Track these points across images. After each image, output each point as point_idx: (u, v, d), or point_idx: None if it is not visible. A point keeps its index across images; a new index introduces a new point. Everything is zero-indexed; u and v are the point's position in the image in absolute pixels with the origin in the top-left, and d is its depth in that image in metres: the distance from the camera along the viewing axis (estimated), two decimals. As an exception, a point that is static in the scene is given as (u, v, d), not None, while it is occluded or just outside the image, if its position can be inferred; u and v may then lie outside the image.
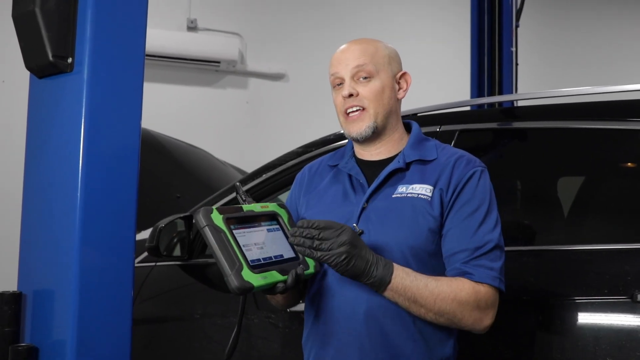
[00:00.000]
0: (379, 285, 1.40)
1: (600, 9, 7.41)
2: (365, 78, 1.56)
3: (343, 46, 1.62)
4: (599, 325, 1.66)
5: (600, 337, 1.64)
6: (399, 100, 1.63)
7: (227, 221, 1.39)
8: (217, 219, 1.38)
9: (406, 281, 1.41)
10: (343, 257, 1.35)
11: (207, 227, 1.36)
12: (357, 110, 1.57)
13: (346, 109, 1.58)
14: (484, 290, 1.44)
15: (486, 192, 1.52)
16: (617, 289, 1.66)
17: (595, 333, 1.65)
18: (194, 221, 1.42)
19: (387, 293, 1.41)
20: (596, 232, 1.93)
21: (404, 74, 1.64)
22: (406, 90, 1.64)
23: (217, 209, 1.40)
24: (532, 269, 1.84)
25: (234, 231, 1.39)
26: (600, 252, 1.77)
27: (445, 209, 1.50)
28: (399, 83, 1.62)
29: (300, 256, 1.48)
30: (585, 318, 1.69)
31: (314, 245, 1.36)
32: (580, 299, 1.70)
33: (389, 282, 1.40)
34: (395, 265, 1.42)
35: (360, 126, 1.56)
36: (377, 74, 1.57)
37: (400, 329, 1.47)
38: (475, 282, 1.44)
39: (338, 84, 1.60)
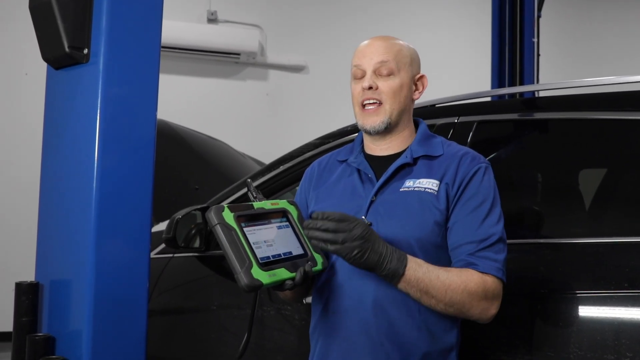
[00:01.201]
0: (392, 277, 1.44)
1: (621, 0, 7.29)
2: (386, 74, 1.61)
3: (368, 40, 1.67)
4: (619, 320, 1.63)
5: (621, 332, 1.61)
6: (413, 101, 1.70)
7: (238, 219, 1.42)
8: (229, 217, 1.41)
9: (419, 273, 1.45)
10: (356, 251, 1.39)
11: (218, 226, 1.39)
12: (373, 104, 1.62)
13: (363, 101, 1.63)
14: (490, 281, 1.50)
15: (490, 188, 1.58)
16: (637, 282, 1.63)
17: (616, 327, 1.63)
18: (206, 219, 1.45)
19: (400, 285, 1.45)
20: (617, 225, 1.90)
21: (422, 76, 1.70)
22: (422, 92, 1.70)
23: (228, 206, 1.43)
24: (552, 262, 1.81)
25: (245, 229, 1.42)
26: (621, 245, 1.74)
27: (451, 203, 1.56)
28: (416, 84, 1.69)
29: (309, 253, 1.53)
30: (605, 312, 1.66)
31: (329, 238, 1.38)
32: (600, 293, 1.67)
33: (402, 274, 1.44)
34: (409, 257, 1.46)
35: (375, 120, 1.62)
36: (397, 72, 1.62)
37: (406, 318, 1.52)
38: (481, 272, 1.49)
39: (359, 76, 1.65)
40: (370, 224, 1.55)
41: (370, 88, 1.61)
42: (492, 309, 1.51)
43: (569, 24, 7.12)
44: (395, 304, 1.52)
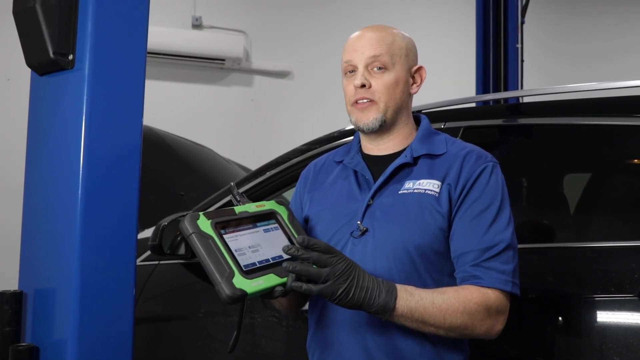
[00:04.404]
0: (383, 312, 1.31)
1: (606, 4, 7.37)
2: (379, 69, 1.50)
3: (359, 32, 1.55)
4: (605, 324, 1.64)
5: (607, 336, 1.62)
6: (411, 95, 1.58)
7: (216, 226, 1.31)
8: (204, 225, 1.30)
9: (411, 302, 1.32)
10: (341, 289, 1.26)
11: (193, 235, 1.28)
12: (366, 101, 1.50)
13: (356, 100, 1.51)
14: (494, 296, 1.37)
15: (498, 189, 1.44)
16: (623, 287, 1.64)
17: (602, 332, 1.63)
18: (180, 229, 1.33)
19: (392, 318, 1.33)
20: (603, 230, 1.91)
21: (420, 68, 1.57)
22: (420, 85, 1.58)
23: (204, 214, 1.33)
24: (538, 267, 1.82)
25: (225, 236, 1.31)
26: (606, 249, 1.75)
27: (454, 206, 1.43)
28: (413, 77, 1.56)
29: None
30: (591, 316, 1.67)
31: (313, 274, 1.25)
32: (586, 297, 1.68)
33: (393, 307, 1.31)
34: (398, 287, 1.33)
35: (368, 117, 1.50)
36: (392, 66, 1.50)
37: (407, 332, 1.40)
38: (485, 287, 1.37)
39: (350, 71, 1.53)
40: (367, 230, 1.46)
41: (363, 86, 1.49)
42: (498, 325, 1.38)
43: (553, 28, 7.17)
44: None
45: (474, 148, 1.51)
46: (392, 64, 1.50)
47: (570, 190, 2.10)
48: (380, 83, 1.49)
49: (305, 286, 1.27)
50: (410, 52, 1.55)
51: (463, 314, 1.33)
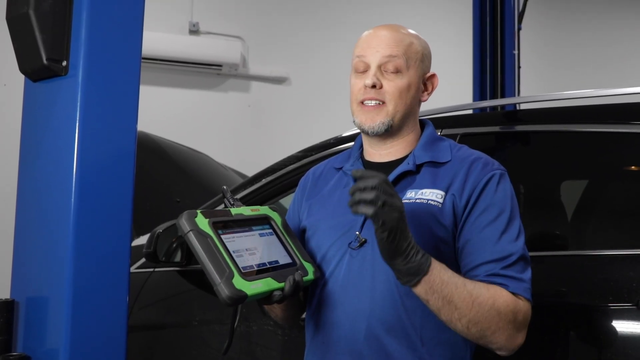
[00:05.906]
0: (416, 272, 1.20)
1: (602, 10, 7.38)
2: (392, 71, 1.42)
3: (374, 29, 1.48)
4: (603, 333, 1.63)
5: (605, 345, 1.61)
6: (420, 102, 1.50)
7: (214, 225, 1.28)
8: (202, 223, 1.27)
9: (444, 275, 1.22)
10: (393, 223, 1.15)
11: (191, 232, 1.25)
12: (374, 103, 1.42)
13: (363, 99, 1.43)
14: (521, 303, 1.28)
15: (507, 198, 1.36)
16: (621, 296, 1.62)
17: (600, 341, 1.62)
18: (177, 226, 1.30)
19: (421, 287, 1.22)
20: (600, 237, 1.90)
21: (433, 75, 1.51)
22: (431, 93, 1.51)
23: (201, 212, 1.30)
24: (535, 275, 1.80)
25: (222, 236, 1.28)
26: (604, 257, 1.74)
27: (459, 217, 1.35)
28: (425, 84, 1.49)
29: (298, 261, 1.38)
30: (589, 325, 1.65)
31: (370, 198, 1.13)
32: (584, 306, 1.67)
33: (427, 272, 1.21)
34: (432, 258, 1.25)
35: (374, 119, 1.42)
36: (406, 70, 1.42)
37: (406, 351, 1.32)
38: (510, 292, 1.27)
39: (361, 69, 1.45)
40: (365, 241, 1.38)
41: (373, 86, 1.40)
42: (519, 338, 1.27)
43: (550, 34, 7.18)
44: (393, 333, 1.32)
45: (481, 156, 1.44)
46: (406, 67, 1.42)
47: (568, 197, 2.09)
48: (392, 86, 1.41)
49: (361, 206, 1.15)
50: (426, 58, 1.49)
51: (491, 309, 1.23)
